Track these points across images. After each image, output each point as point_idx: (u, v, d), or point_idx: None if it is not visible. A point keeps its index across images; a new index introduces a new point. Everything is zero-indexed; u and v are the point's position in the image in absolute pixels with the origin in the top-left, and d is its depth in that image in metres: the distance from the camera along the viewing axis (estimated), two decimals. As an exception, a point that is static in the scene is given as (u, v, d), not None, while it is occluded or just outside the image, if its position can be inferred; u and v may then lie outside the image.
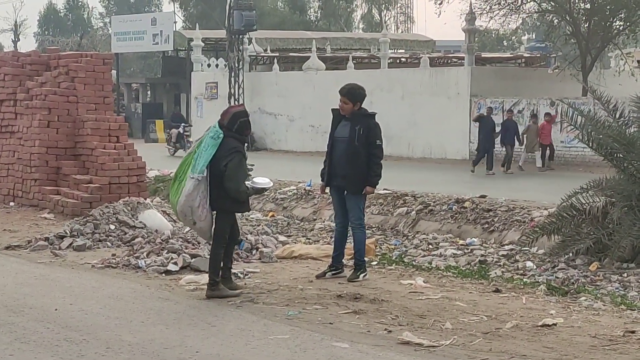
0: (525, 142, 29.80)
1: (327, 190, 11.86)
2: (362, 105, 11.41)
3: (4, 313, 9.55)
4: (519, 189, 22.07)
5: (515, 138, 29.62)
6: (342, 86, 11.60)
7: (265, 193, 21.57)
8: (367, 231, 18.10)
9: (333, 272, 11.65)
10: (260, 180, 10.77)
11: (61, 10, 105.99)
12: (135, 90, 64.83)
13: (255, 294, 10.54)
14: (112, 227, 14.65)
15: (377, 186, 11.67)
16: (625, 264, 14.21)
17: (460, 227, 18.24)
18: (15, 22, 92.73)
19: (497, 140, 29.71)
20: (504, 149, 29.60)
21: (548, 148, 30.46)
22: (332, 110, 11.68)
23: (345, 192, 11.49)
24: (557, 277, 13.44)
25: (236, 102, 41.69)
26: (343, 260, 11.87)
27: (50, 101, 18.33)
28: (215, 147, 10.22)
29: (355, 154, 11.27)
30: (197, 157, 10.25)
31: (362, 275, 11.49)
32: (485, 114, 30.33)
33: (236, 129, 10.37)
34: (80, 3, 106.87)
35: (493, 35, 65.38)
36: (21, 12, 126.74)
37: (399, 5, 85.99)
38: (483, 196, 19.49)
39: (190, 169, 10.24)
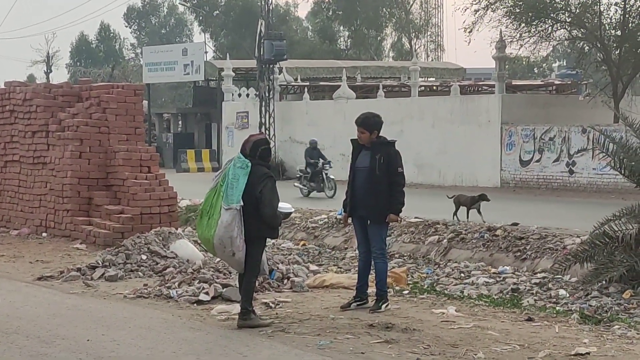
0: None
1: (350, 220, 11.87)
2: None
3: (36, 344, 9.60)
4: (550, 217, 21.92)
5: None
6: (357, 116, 11.65)
7: (295, 221, 21.72)
8: (398, 260, 18.27)
9: (358, 302, 11.61)
10: (283, 205, 10.84)
11: (93, 42, 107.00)
12: (166, 120, 65.20)
13: (286, 324, 10.53)
14: (144, 257, 14.71)
15: (400, 214, 11.65)
16: (659, 291, 14.08)
17: (492, 256, 18.13)
18: (48, 53, 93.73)
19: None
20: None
21: None
22: (352, 140, 11.70)
23: (368, 221, 11.49)
24: (590, 306, 13.33)
25: (267, 132, 41.85)
26: (368, 291, 11.83)
27: (82, 132, 18.46)
28: (246, 175, 10.27)
29: (376, 183, 11.27)
30: (227, 188, 10.24)
31: (384, 305, 11.44)
32: None
33: (259, 156, 10.46)
34: (111, 34, 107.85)
35: (523, 62, 65.28)
36: (53, 44, 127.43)
37: (429, 33, 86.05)
38: (515, 224, 19.40)
39: (222, 201, 10.23)
